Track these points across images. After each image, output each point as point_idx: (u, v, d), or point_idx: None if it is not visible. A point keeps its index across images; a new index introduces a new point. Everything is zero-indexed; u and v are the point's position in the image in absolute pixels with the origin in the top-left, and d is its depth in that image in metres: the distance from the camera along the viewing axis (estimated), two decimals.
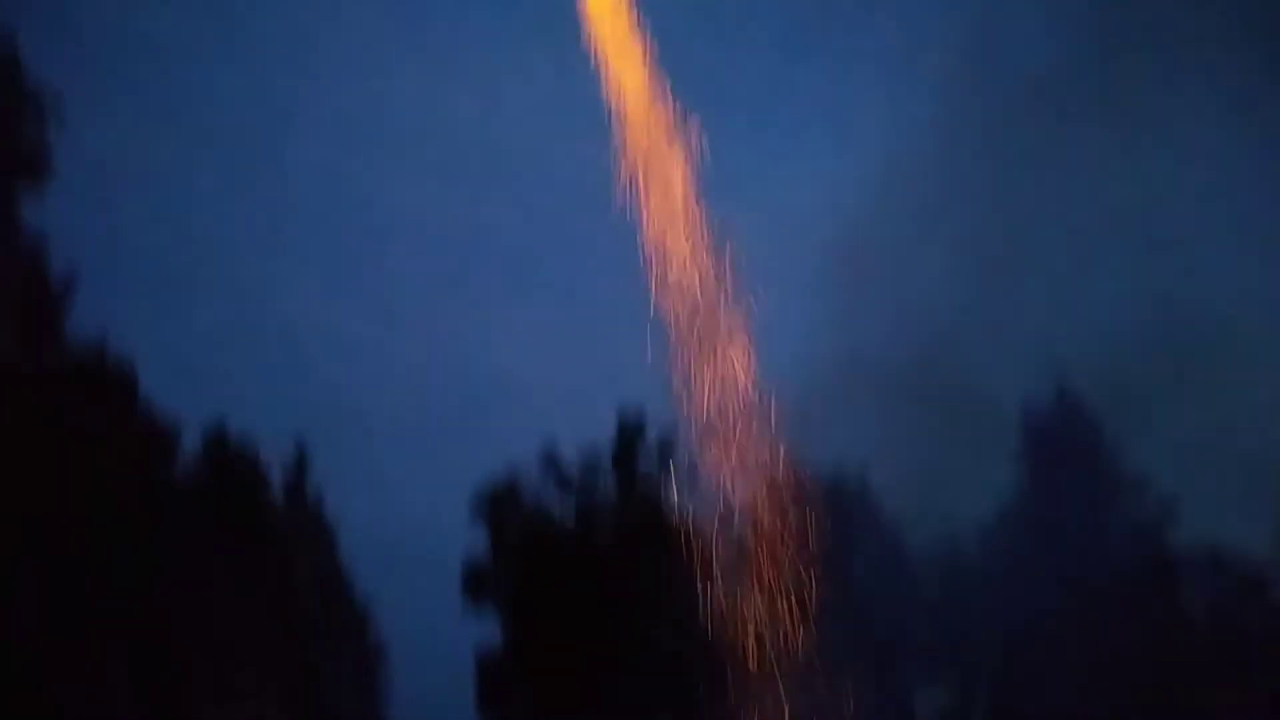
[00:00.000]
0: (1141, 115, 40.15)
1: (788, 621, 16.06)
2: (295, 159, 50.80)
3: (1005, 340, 38.98)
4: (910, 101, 40.77)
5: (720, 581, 16.38)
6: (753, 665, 16.11)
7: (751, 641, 15.93)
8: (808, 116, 49.02)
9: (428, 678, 30.64)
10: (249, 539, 26.10)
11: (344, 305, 52.07)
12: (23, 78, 22.06)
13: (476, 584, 29.91)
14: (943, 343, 37.47)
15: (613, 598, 28.34)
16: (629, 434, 31.60)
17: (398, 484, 37.71)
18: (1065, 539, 37.56)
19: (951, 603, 37.94)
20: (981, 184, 39.31)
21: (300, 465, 28.52)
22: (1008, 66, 40.64)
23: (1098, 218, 40.58)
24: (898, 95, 42.38)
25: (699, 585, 15.88)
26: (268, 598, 25.64)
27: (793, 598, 16.06)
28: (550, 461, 30.54)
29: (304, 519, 28.26)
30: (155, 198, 44.27)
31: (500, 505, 29.97)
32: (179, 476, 25.95)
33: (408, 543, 31.55)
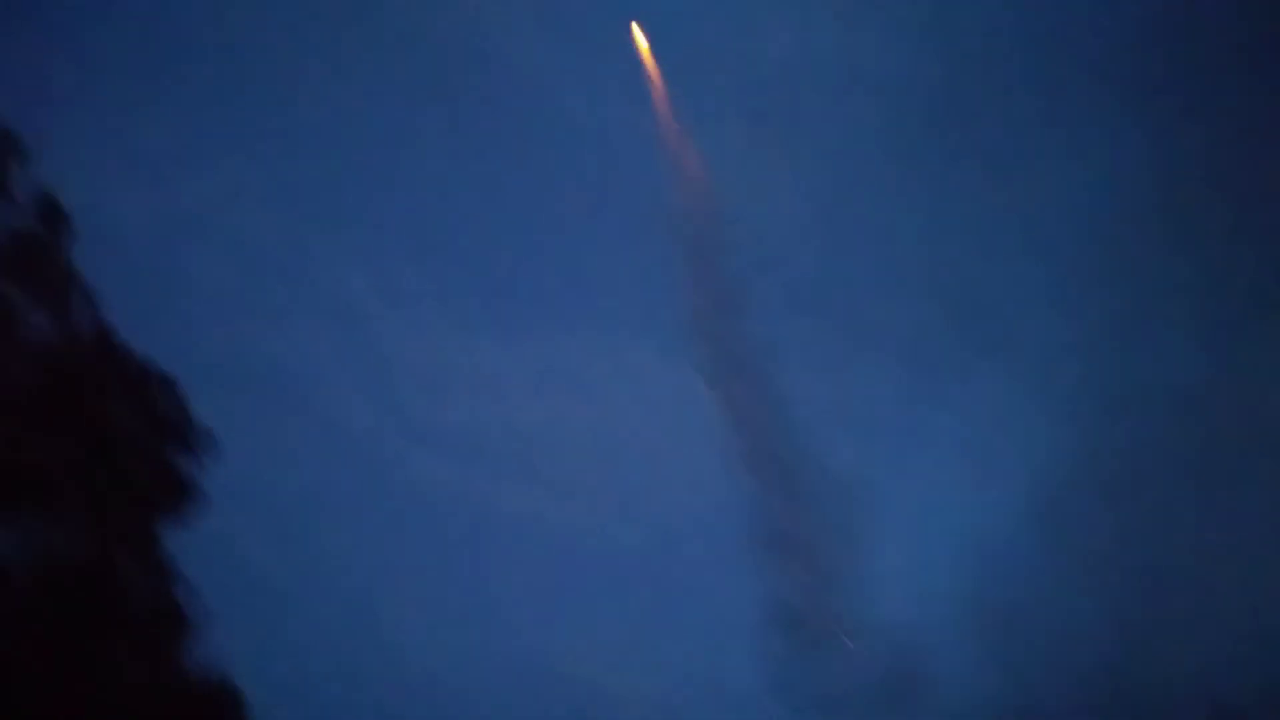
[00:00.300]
0: None
1: None
2: (415, 474, 52.56)
3: (1171, 674, 36.40)
4: (1049, 426, 40.50)
5: None
6: None
7: None
8: (941, 441, 48.73)
9: None
10: None
11: (449, 617, 51.93)
12: (182, 412, 23.54)
13: None
14: (1106, 681, 35.16)
15: None
16: None
17: None
18: None
19: None
20: (1133, 511, 38.02)
21: None
22: (1150, 384, 40.29)
23: (1262, 540, 38.57)
24: (1033, 419, 42.23)
25: None
26: None
27: None
28: None
29: None
30: (280, 518, 45.91)
31: None
32: None
33: None
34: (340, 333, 54.77)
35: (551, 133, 56.81)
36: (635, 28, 44.32)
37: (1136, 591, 37.42)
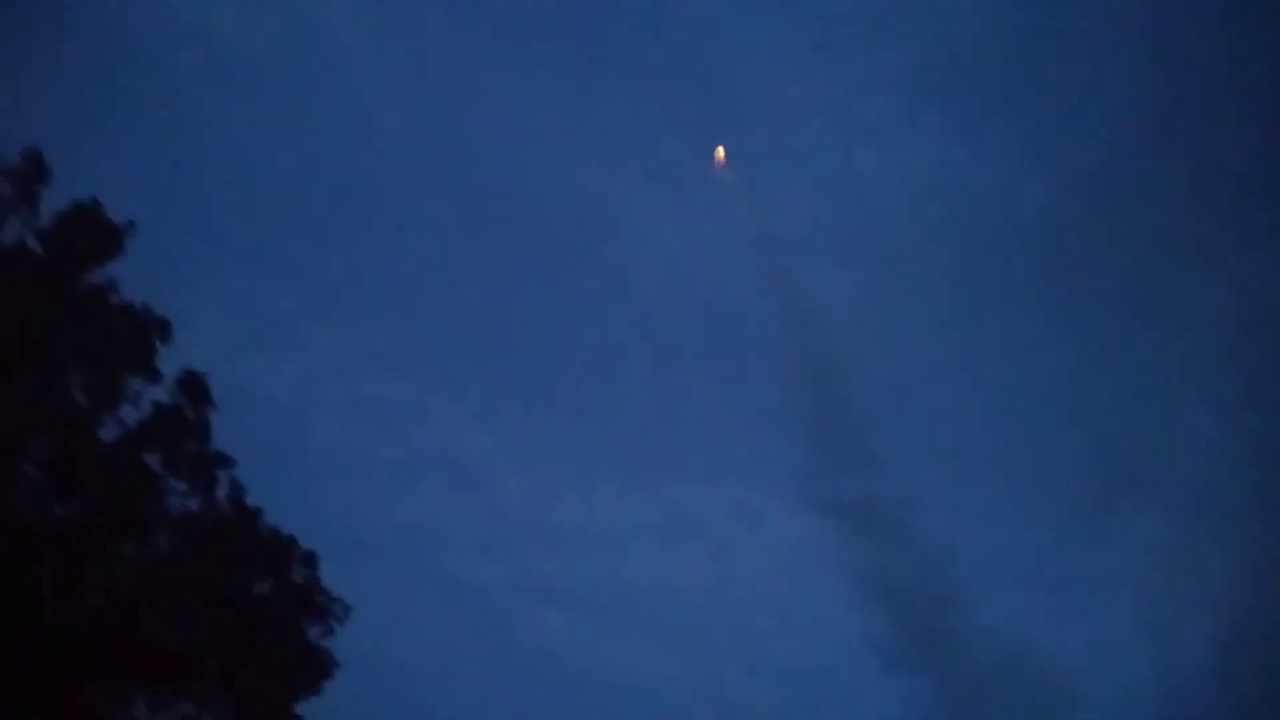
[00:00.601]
0: None
1: None
2: (539, 630, 51.86)
3: None
4: (1223, 569, 37.67)
5: None
6: None
7: None
8: (1109, 592, 45.57)
9: None
10: None
11: None
12: (315, 581, 23.61)
13: None
14: None
15: None
16: None
17: None
18: None
19: None
20: None
21: None
22: None
23: None
24: (1206, 561, 39.43)
25: None
26: None
27: None
28: None
29: None
30: (407, 679, 45.43)
31: None
32: None
33: None
34: (463, 491, 55.32)
35: (661, 284, 57.54)
36: (720, 153, 43.72)
37: None
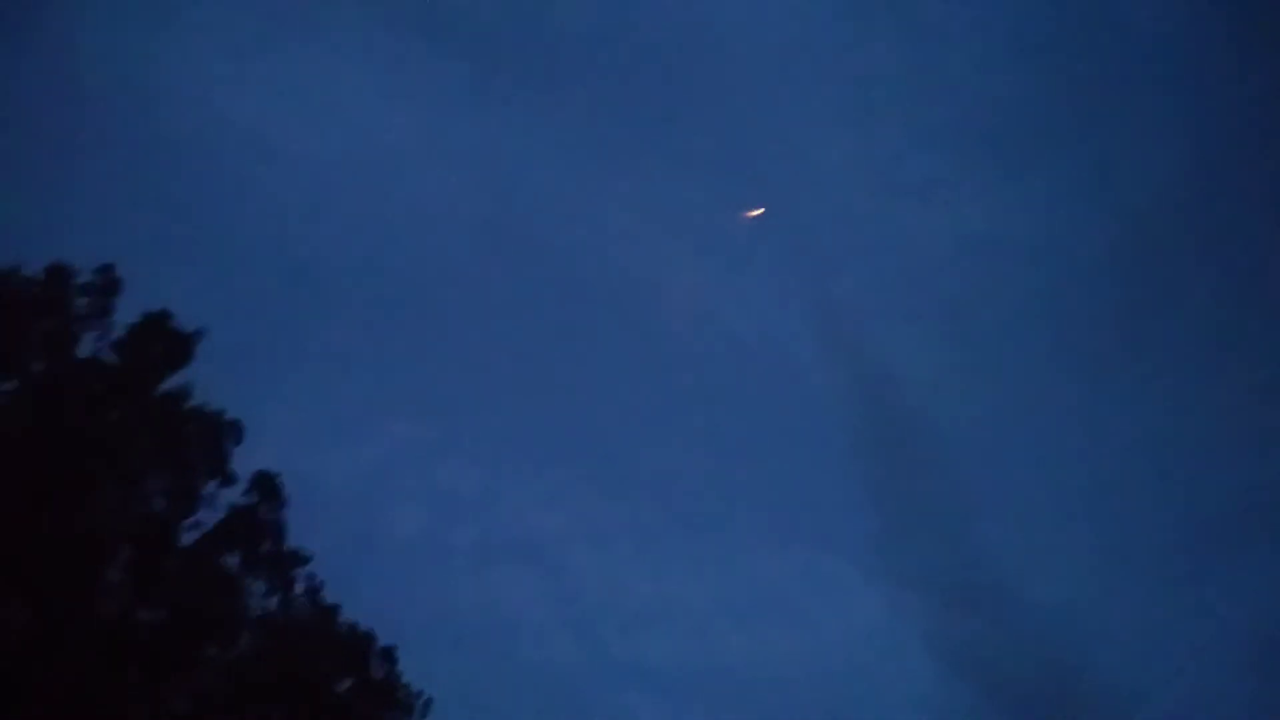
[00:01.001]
0: None
1: None
2: (621, 714, 51.08)
3: None
4: None
5: None
6: None
7: None
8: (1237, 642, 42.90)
9: None
10: None
11: None
12: (395, 674, 23.51)
13: None
14: None
15: None
16: None
17: None
18: None
19: None
20: None
21: None
22: None
23: None
24: None
25: None
26: None
27: None
28: None
29: None
30: None
31: None
32: None
33: None
34: (538, 574, 55.07)
35: (721, 354, 57.50)
36: (755, 214, 43.08)
37: None
